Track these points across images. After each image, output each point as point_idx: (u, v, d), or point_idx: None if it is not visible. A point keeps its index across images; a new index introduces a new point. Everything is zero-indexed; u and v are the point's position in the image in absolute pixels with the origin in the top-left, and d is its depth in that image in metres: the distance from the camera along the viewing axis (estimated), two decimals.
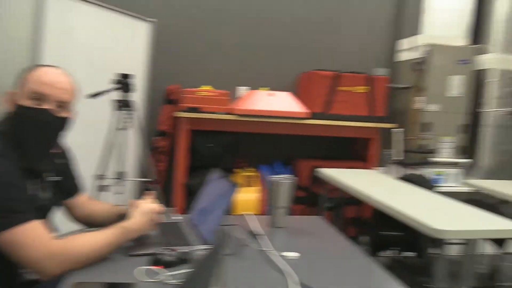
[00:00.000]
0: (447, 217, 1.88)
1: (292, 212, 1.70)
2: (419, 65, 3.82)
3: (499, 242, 2.61)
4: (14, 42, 3.25)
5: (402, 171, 3.62)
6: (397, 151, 3.73)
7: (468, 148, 3.89)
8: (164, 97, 3.86)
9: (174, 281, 1.09)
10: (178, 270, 1.16)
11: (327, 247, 1.50)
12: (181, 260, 1.22)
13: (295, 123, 3.57)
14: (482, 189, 2.83)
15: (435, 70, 3.79)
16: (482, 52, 3.93)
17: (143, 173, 3.35)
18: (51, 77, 1.23)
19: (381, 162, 3.97)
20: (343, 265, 1.34)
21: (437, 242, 3.05)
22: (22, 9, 3.26)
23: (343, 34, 4.21)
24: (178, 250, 1.24)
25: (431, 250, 2.58)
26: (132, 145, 2.93)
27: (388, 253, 3.12)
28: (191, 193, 3.52)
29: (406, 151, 3.75)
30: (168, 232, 1.49)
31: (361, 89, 3.76)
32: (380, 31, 4.29)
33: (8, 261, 1.16)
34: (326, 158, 3.93)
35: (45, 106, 1.20)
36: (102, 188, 2.32)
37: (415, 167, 3.62)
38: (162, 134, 3.80)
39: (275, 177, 1.68)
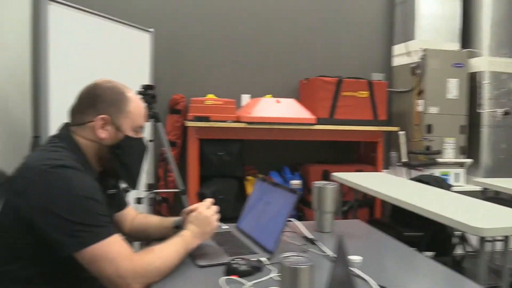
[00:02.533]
0: (481, 215, 1.94)
1: (305, 217, 1.73)
2: (416, 69, 3.93)
3: None
4: (13, 56, 3.19)
5: (409, 173, 3.70)
6: (402, 153, 3.80)
7: (467, 148, 4.00)
8: (168, 107, 3.84)
9: None
10: (254, 279, 1.16)
11: (381, 249, 1.53)
12: (256, 269, 1.22)
13: (302, 129, 3.61)
14: (493, 187, 2.91)
15: (432, 73, 3.89)
16: (473, 55, 4.06)
17: (155, 184, 3.32)
18: (144, 110, 1.36)
19: (387, 165, 4.05)
20: (406, 265, 1.37)
21: (465, 240, 3.14)
22: (20, 20, 3.22)
23: (341, 41, 4.29)
24: (250, 259, 1.24)
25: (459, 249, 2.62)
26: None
27: None
28: None
29: (411, 153, 3.83)
30: (226, 242, 1.49)
31: (363, 93, 3.83)
32: (375, 38, 4.39)
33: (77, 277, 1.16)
34: (334, 162, 3.97)
35: (141, 135, 1.35)
36: (138, 201, 2.29)
37: (421, 168, 3.70)
38: (170, 144, 3.78)
39: (320, 183, 1.70)
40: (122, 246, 1.11)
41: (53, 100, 2.71)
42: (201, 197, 3.50)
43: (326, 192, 1.67)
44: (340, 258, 0.79)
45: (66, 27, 2.82)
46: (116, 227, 1.52)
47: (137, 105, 1.31)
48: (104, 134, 1.24)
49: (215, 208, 1.41)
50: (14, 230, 1.10)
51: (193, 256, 1.35)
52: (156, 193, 2.86)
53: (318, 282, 0.99)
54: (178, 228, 1.46)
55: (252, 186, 3.63)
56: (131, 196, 2.45)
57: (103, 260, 1.06)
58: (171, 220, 1.50)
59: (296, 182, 3.76)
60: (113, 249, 1.08)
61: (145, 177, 2.44)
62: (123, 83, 1.35)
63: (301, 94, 4.08)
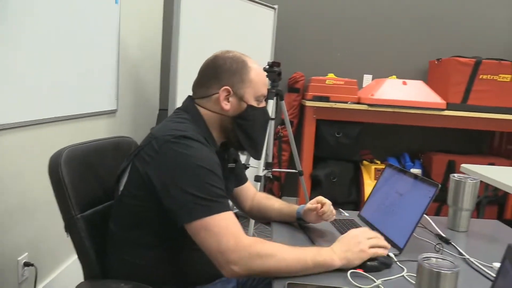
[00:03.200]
0: None
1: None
2: None
3: None
4: (147, 33, 3.40)
5: None
6: None
7: None
8: (287, 85, 3.81)
9: None
10: (383, 276, 1.06)
11: None
12: (384, 265, 1.12)
13: (429, 114, 3.31)
14: None
15: None
16: None
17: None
18: (266, 78, 1.33)
19: None
20: None
21: None
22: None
23: (481, 15, 3.81)
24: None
25: None
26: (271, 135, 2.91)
27: None
28: (316, 184, 3.44)
29: None
30: (348, 231, 1.39)
31: (506, 77, 3.38)
32: None
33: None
34: (461, 153, 3.62)
35: (263, 104, 1.31)
36: (256, 178, 2.32)
37: None
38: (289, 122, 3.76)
39: (459, 176, 1.52)
40: (232, 224, 1.06)
41: (181, 75, 2.83)
42: (314, 179, 3.43)
43: (466, 187, 1.48)
44: (511, 272, 0.66)
45: (196, 3, 2.91)
46: (236, 203, 1.54)
47: (258, 73, 1.27)
48: (227, 105, 1.23)
49: (373, 234, 1.18)
50: (140, 197, 1.13)
51: (314, 242, 1.30)
52: (272, 171, 2.86)
53: None
54: (299, 220, 1.41)
55: (367, 171, 3.47)
56: (249, 173, 2.48)
57: (208, 232, 1.03)
58: (293, 208, 1.44)
59: (416, 171, 3.49)
60: (221, 224, 1.04)
61: (264, 155, 2.44)
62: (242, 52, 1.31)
63: (430, 76, 3.75)
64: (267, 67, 2.48)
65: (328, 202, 1.37)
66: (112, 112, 2.76)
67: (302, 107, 3.71)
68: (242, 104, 1.24)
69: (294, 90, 3.75)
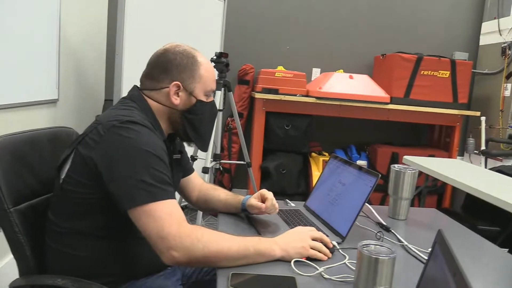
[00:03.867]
0: None
1: (369, 201, 1.57)
2: (508, 49, 3.56)
3: None
4: (91, 23, 3.27)
5: (487, 162, 3.42)
6: (481, 141, 3.51)
7: None
8: (237, 77, 3.80)
9: (334, 277, 1.02)
10: (326, 264, 1.09)
11: (464, 243, 1.39)
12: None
13: (374, 108, 3.42)
14: None
15: None
16: None
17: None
18: (215, 73, 1.34)
19: (462, 152, 3.78)
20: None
21: None
22: None
23: (423, 15, 3.98)
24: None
25: None
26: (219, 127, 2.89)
27: None
28: (266, 176, 3.47)
29: (491, 141, 3.53)
30: (293, 221, 1.41)
31: (444, 73, 3.55)
32: (462, 12, 4.03)
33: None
34: (404, 145, 3.77)
35: (211, 99, 1.31)
36: (204, 170, 2.28)
37: (501, 158, 3.40)
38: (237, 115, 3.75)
39: (399, 166, 1.57)
40: (176, 211, 1.05)
41: (126, 65, 2.74)
42: (264, 171, 3.46)
43: (405, 177, 1.54)
44: (440, 256, 0.69)
45: None
46: (183, 194, 1.52)
47: (208, 68, 1.28)
48: (177, 100, 1.23)
49: (318, 236, 1.15)
50: (83, 184, 1.09)
51: (260, 233, 1.30)
52: (220, 163, 2.85)
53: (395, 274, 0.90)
54: (244, 211, 1.41)
55: (316, 163, 3.53)
56: (197, 165, 2.46)
57: (151, 217, 1.01)
58: (239, 199, 1.43)
59: (362, 163, 3.61)
60: (164, 210, 1.03)
61: (211, 147, 2.42)
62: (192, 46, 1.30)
63: (375, 71, 3.87)
64: (215, 57, 2.46)
65: (270, 197, 1.36)
66: (52, 102, 2.64)
67: (252, 99, 3.72)
68: (191, 99, 1.25)
69: (244, 82, 3.75)
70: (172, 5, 3.04)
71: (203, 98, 1.27)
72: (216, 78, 2.52)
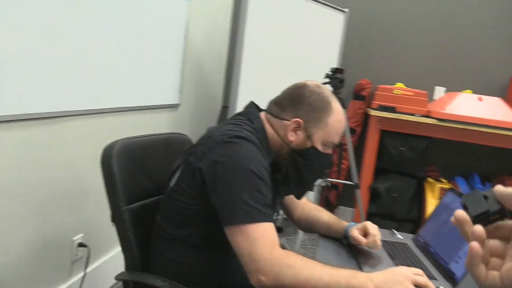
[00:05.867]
0: None
1: None
2: None
3: None
4: (215, 30, 3.42)
5: None
6: None
7: None
8: (353, 92, 3.69)
9: None
10: None
11: None
12: None
13: (506, 135, 3.05)
14: None
15: None
16: None
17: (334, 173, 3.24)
18: (344, 127, 1.26)
19: None
20: None
21: None
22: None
23: None
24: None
25: None
26: None
27: None
28: (375, 197, 3.31)
29: None
30: (399, 255, 1.30)
31: None
32: None
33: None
34: None
35: (329, 151, 1.24)
36: None
37: None
38: (349, 130, 3.65)
39: None
40: (270, 234, 1.02)
41: (244, 74, 2.81)
42: (374, 191, 3.30)
43: None
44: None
45: (265, 3, 2.89)
46: (286, 211, 1.50)
47: (338, 119, 1.21)
48: (293, 137, 1.19)
49: (423, 281, 1.02)
50: (189, 195, 1.13)
51: (359, 264, 1.22)
52: (326, 181, 2.77)
53: None
54: (346, 239, 1.34)
55: (431, 190, 3.27)
56: None
57: (245, 237, 1.00)
58: (342, 225, 1.38)
59: None
60: (259, 232, 1.01)
61: None
62: (329, 90, 1.25)
63: (509, 93, 3.46)
64: (330, 73, 2.39)
65: (373, 233, 1.28)
66: (174, 106, 2.82)
67: (366, 116, 3.57)
68: (307, 142, 1.19)
69: (359, 98, 3.62)
70: (292, 16, 3.06)
71: (319, 147, 1.20)
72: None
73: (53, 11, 1.61)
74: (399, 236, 1.50)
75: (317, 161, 1.21)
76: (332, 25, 3.33)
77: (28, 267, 1.70)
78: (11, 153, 1.55)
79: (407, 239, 1.47)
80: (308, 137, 1.19)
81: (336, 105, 1.21)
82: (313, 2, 3.14)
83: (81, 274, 1.99)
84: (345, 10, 3.36)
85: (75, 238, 1.95)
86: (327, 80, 2.37)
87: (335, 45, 3.37)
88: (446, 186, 3.24)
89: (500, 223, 0.49)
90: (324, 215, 1.44)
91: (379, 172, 3.36)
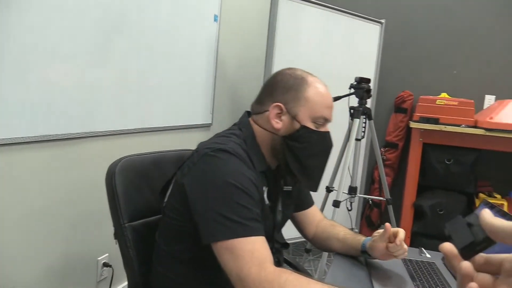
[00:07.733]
0: None
1: None
2: None
3: None
4: (248, 50, 3.42)
5: None
6: None
7: None
8: (393, 105, 3.53)
9: None
10: None
11: None
12: None
13: None
14: None
15: None
16: None
17: (368, 189, 3.10)
18: (330, 99, 1.16)
19: None
20: None
21: None
22: (262, 10, 3.42)
23: None
24: None
25: None
26: (361, 157, 2.70)
27: None
28: (420, 216, 3.10)
29: None
30: (423, 276, 1.17)
31: None
32: None
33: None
34: None
35: (324, 129, 1.15)
36: (335, 203, 2.14)
37: None
38: (390, 145, 3.48)
39: None
40: (259, 250, 0.93)
41: None
42: (417, 209, 3.09)
43: None
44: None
45: (295, 18, 2.86)
46: (299, 229, 1.41)
47: (318, 92, 1.12)
48: (279, 124, 1.12)
49: None
50: (178, 211, 1.08)
51: (374, 282, 1.11)
52: (355, 196, 2.59)
53: None
54: (364, 253, 1.23)
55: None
56: (330, 198, 2.31)
57: (232, 255, 0.92)
58: (359, 240, 1.26)
59: None
60: (245, 248, 0.92)
61: (344, 178, 2.22)
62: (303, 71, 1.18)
63: None
64: (354, 83, 2.29)
65: (401, 233, 1.16)
66: (207, 126, 2.82)
67: (409, 129, 3.40)
68: (294, 123, 1.12)
69: (401, 110, 3.46)
70: (327, 32, 3.01)
71: (310, 125, 1.12)
72: (358, 104, 2.34)
73: (86, 34, 1.67)
74: (427, 255, 1.36)
75: (314, 141, 1.13)
76: (369, 37, 3.24)
77: (55, 286, 1.73)
78: (39, 172, 1.60)
79: (436, 258, 1.33)
80: (293, 117, 1.11)
81: (312, 79, 1.14)
82: (349, 15, 3.07)
83: None
84: (382, 21, 3.26)
85: (100, 258, 1.97)
86: (352, 91, 2.27)
87: (372, 57, 3.26)
88: (500, 201, 2.98)
89: (488, 257, 0.46)
90: (340, 231, 1.34)
91: (424, 188, 3.16)
